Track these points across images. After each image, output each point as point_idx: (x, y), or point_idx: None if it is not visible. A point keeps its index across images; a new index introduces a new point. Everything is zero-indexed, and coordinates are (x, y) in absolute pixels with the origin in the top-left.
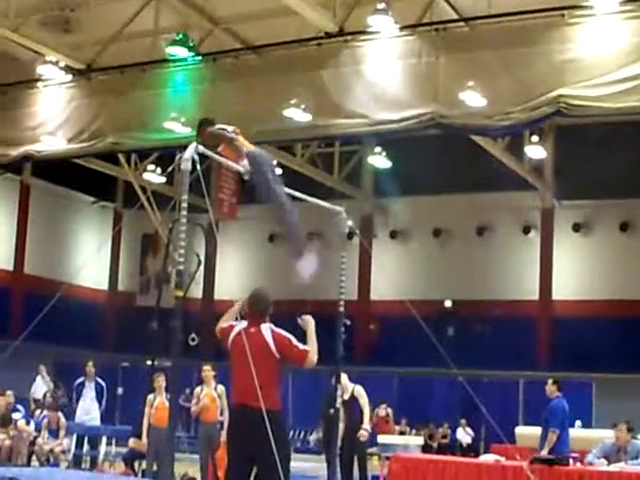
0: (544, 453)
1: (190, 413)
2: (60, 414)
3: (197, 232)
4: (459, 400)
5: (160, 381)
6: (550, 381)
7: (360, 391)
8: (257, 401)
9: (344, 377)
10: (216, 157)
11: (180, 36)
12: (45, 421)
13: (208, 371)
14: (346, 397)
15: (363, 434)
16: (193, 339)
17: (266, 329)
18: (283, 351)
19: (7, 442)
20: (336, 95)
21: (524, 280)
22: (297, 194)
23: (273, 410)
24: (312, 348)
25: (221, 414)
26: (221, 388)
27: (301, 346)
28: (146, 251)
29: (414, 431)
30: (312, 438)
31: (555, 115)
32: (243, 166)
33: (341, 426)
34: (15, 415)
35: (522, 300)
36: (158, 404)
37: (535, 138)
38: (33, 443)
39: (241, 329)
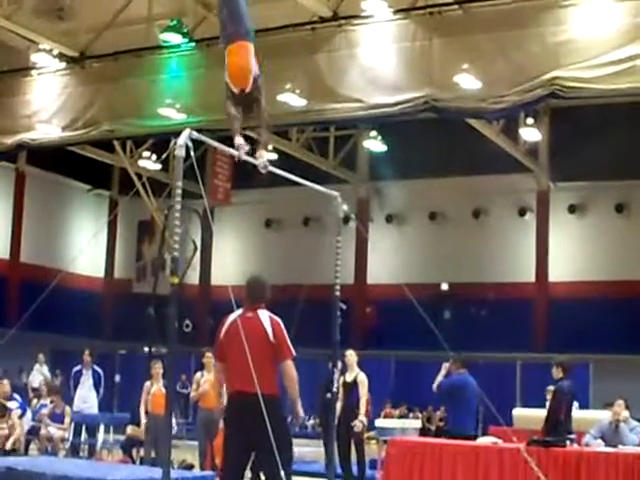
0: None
1: (187, 400)
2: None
3: (193, 218)
4: None
5: (157, 368)
6: (451, 360)
7: (363, 380)
8: (254, 387)
9: (354, 359)
10: (211, 142)
11: (174, 22)
12: (50, 406)
13: (210, 357)
14: (349, 379)
15: (358, 425)
16: (187, 325)
17: (263, 314)
18: (275, 338)
19: (4, 432)
20: (331, 79)
21: (520, 262)
22: (293, 178)
23: (271, 395)
24: (292, 367)
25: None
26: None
27: (291, 346)
28: (142, 238)
29: (411, 414)
30: (310, 423)
31: (549, 97)
32: (259, 157)
33: (338, 405)
34: (11, 404)
35: (518, 282)
36: (155, 391)
37: (530, 120)
38: (30, 431)
39: (236, 316)
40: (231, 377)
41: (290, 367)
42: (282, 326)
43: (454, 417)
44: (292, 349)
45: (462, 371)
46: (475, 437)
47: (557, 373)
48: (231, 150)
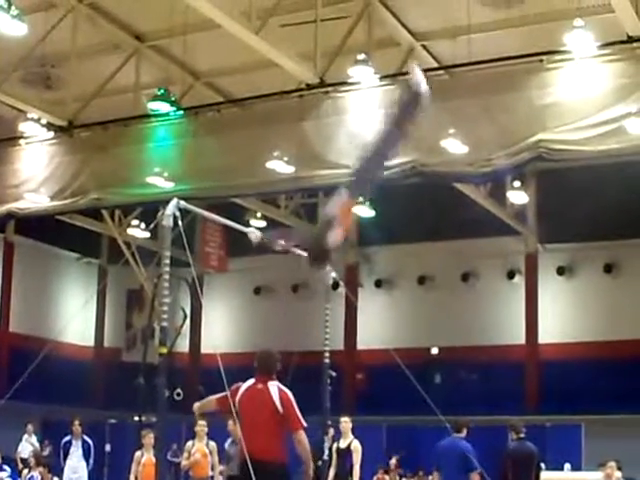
0: None
1: (178, 469)
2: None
3: (182, 286)
4: None
5: (149, 438)
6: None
7: (357, 447)
8: (265, 455)
9: (349, 426)
10: (199, 211)
11: (161, 91)
12: (39, 478)
13: (203, 426)
14: (343, 445)
15: None
16: (179, 394)
17: (273, 386)
18: (284, 409)
19: None
20: (318, 146)
21: (510, 325)
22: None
23: (281, 463)
24: (304, 437)
25: (212, 469)
26: (212, 444)
27: (300, 417)
28: (132, 306)
29: None
30: None
31: (536, 160)
32: (252, 232)
33: (331, 472)
34: (1, 474)
35: (508, 345)
36: (145, 461)
37: (517, 183)
38: None
39: (248, 386)
40: (242, 446)
41: (302, 437)
42: (291, 398)
43: None
44: (302, 420)
45: (455, 435)
46: None
47: (513, 435)
48: (219, 218)
